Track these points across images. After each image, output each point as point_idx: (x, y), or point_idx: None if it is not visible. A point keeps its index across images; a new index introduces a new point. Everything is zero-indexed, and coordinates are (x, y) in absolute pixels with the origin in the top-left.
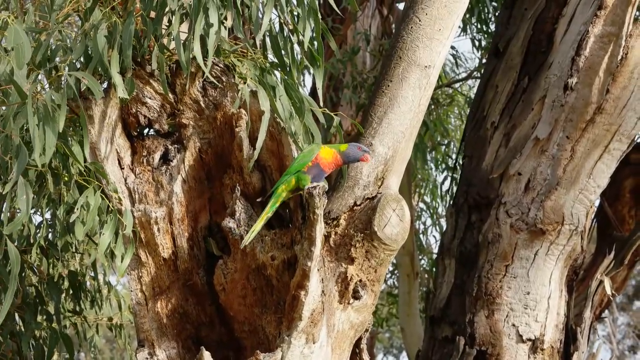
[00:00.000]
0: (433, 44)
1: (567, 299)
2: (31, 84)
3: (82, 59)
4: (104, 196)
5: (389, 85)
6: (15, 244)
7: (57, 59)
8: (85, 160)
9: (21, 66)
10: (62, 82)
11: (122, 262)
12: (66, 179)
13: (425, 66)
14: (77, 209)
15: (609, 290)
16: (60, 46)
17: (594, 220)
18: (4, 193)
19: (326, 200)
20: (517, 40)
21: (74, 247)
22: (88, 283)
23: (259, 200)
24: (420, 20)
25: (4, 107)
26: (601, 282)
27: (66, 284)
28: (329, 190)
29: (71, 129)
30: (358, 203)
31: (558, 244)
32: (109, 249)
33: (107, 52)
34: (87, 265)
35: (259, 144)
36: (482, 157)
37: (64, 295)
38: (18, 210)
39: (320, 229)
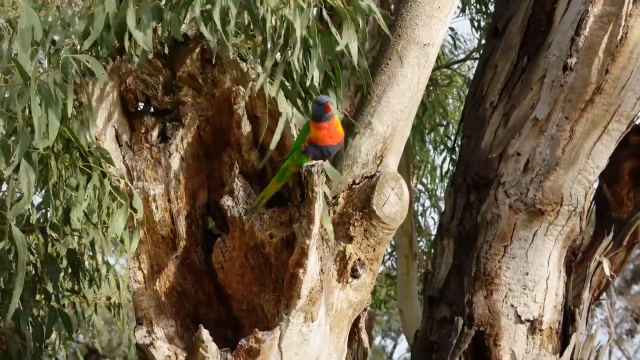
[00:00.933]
0: (432, 22)
1: (565, 280)
2: (34, 67)
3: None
4: (109, 182)
5: (387, 64)
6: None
7: (56, 36)
8: (89, 147)
9: (27, 48)
10: (62, 61)
11: (130, 245)
12: (67, 163)
13: (425, 44)
14: (86, 196)
15: (607, 271)
16: (59, 21)
17: (593, 202)
18: (5, 176)
19: (325, 178)
20: (517, 20)
21: (73, 229)
22: (87, 262)
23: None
24: None
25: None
26: (600, 263)
27: (65, 262)
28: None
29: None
30: (357, 182)
31: (557, 225)
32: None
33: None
34: (85, 244)
35: (274, 144)
36: (480, 137)
37: (62, 274)
38: (18, 192)
39: (319, 207)
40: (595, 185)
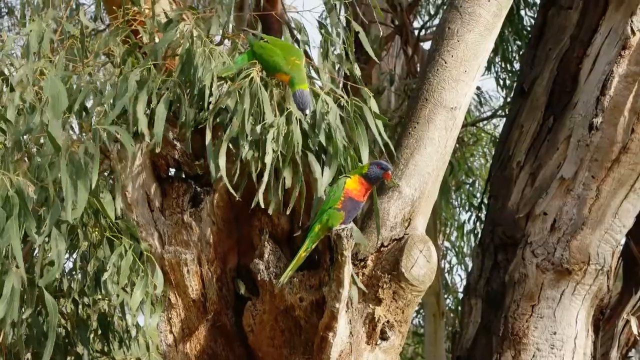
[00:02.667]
0: (459, 85)
1: (593, 339)
2: (66, 137)
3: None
4: (134, 255)
5: (415, 127)
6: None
7: (89, 101)
8: (116, 217)
9: (58, 116)
10: (92, 127)
11: (151, 318)
12: (96, 233)
13: (451, 108)
14: (109, 267)
15: (635, 330)
16: (90, 88)
17: (620, 259)
18: (37, 244)
19: (354, 242)
20: (542, 80)
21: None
22: (116, 323)
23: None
24: (446, 63)
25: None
26: (628, 321)
27: (94, 324)
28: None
29: (101, 177)
30: (385, 244)
31: (584, 284)
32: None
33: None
34: (115, 305)
35: None
36: (507, 197)
37: (92, 335)
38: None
39: (348, 271)
40: (623, 241)
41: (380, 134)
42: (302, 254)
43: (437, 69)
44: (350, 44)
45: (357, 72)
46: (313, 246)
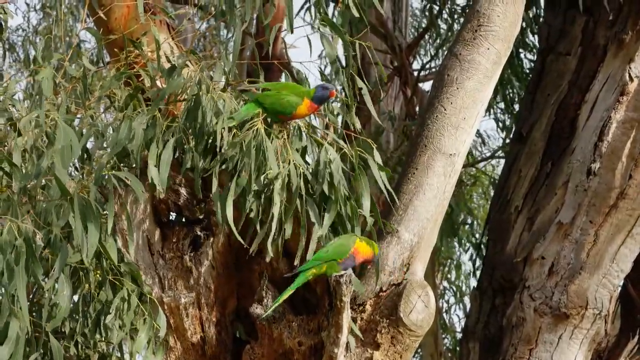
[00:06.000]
0: (458, 132)
1: None
2: (76, 183)
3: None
4: (137, 298)
5: (414, 173)
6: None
7: (90, 144)
8: (118, 261)
9: (66, 166)
10: (98, 172)
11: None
12: (98, 276)
13: (450, 154)
14: (112, 310)
15: None
16: (93, 131)
17: (618, 301)
18: (46, 289)
19: (353, 288)
20: (540, 126)
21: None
22: None
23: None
24: (445, 110)
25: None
26: None
27: None
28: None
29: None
30: (384, 289)
31: (582, 328)
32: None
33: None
34: (113, 345)
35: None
36: (506, 241)
37: None
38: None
39: (347, 316)
40: (621, 283)
41: (385, 186)
42: (289, 292)
43: (437, 116)
44: (351, 99)
45: (358, 125)
46: (297, 287)
